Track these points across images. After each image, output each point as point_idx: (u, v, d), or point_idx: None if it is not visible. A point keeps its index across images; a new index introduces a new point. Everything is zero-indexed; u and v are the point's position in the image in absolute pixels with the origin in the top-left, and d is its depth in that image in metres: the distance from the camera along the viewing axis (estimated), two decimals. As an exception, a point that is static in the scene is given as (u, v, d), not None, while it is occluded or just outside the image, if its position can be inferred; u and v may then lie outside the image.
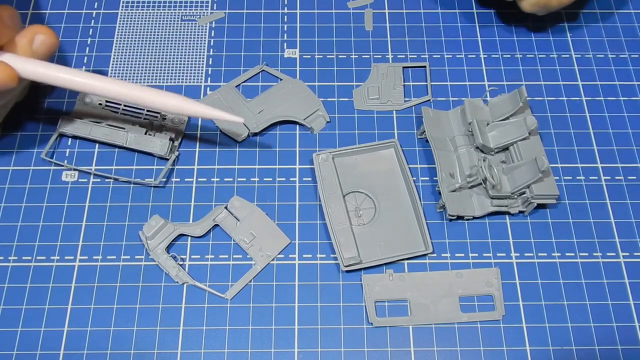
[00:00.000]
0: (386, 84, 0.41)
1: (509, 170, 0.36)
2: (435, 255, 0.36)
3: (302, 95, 0.40)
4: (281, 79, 0.41)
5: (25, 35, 0.34)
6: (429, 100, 0.41)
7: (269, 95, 0.40)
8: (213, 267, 0.35)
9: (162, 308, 0.34)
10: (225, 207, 0.36)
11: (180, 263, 0.35)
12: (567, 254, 0.36)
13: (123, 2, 0.44)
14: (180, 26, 0.44)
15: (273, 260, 0.35)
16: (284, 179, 0.38)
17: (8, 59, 0.33)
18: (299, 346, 0.33)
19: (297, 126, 0.40)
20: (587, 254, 0.36)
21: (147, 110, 0.39)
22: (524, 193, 0.35)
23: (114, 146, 0.38)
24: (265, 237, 0.36)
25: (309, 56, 0.42)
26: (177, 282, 0.35)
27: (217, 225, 0.36)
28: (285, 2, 0.45)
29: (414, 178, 0.38)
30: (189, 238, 0.36)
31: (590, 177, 0.38)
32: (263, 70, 0.42)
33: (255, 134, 0.39)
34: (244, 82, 0.41)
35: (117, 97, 0.34)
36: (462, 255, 0.36)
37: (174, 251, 0.35)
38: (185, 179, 0.38)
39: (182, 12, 0.44)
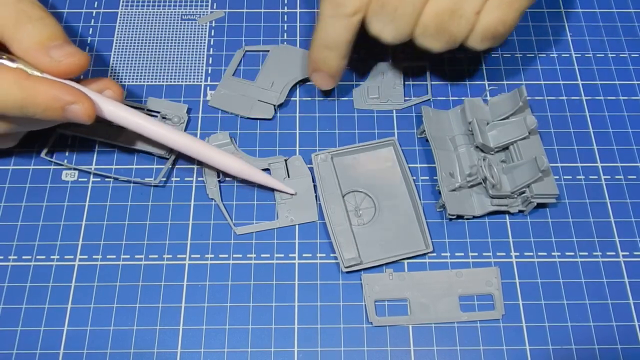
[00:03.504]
0: (386, 83, 0.41)
1: (508, 170, 0.36)
2: (435, 254, 0.36)
3: (296, 55, 0.42)
4: (268, 50, 0.42)
5: (97, 86, 0.35)
6: (429, 99, 0.41)
7: (268, 68, 0.41)
8: (213, 266, 0.35)
9: (162, 308, 0.34)
10: (285, 160, 0.38)
11: (220, 180, 0.37)
12: (567, 254, 0.36)
13: (123, 2, 0.44)
14: (180, 25, 0.44)
15: (292, 224, 0.35)
16: (283, 178, 0.38)
17: (92, 95, 0.33)
18: (298, 345, 0.33)
19: (297, 126, 0.40)
20: (587, 254, 0.36)
21: (147, 110, 0.39)
22: (523, 192, 0.35)
23: (114, 146, 0.38)
24: (299, 203, 0.37)
25: (309, 55, 0.42)
26: (208, 194, 0.37)
27: (267, 169, 0.37)
28: (285, 2, 0.45)
29: (414, 177, 0.38)
30: (190, 237, 0.36)
31: (590, 177, 0.38)
32: (246, 52, 0.42)
33: (281, 105, 0.40)
34: (235, 69, 0.41)
35: (185, 151, 0.35)
36: (462, 254, 0.36)
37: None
38: (185, 179, 0.38)
39: (182, 12, 0.44)
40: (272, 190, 0.37)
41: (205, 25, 0.44)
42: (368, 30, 0.34)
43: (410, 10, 0.33)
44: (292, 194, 0.37)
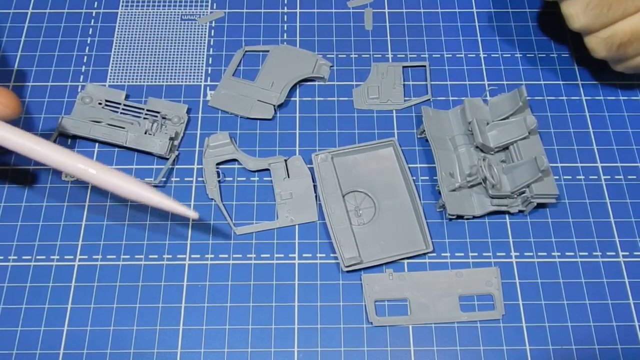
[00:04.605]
0: (386, 83, 0.41)
1: (508, 170, 0.36)
2: (435, 254, 0.36)
3: (296, 55, 0.42)
4: (267, 50, 0.42)
5: None
6: (429, 99, 0.41)
7: (268, 68, 0.41)
8: (213, 266, 0.35)
9: (162, 308, 0.34)
10: (285, 160, 0.38)
11: (220, 180, 0.37)
12: (567, 254, 0.36)
13: (123, 2, 0.44)
14: (180, 25, 0.44)
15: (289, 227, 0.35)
16: (283, 178, 0.38)
17: None
18: (298, 345, 0.33)
19: (297, 126, 0.40)
20: (587, 254, 0.36)
21: (147, 110, 0.39)
22: (523, 192, 0.35)
23: (114, 146, 0.38)
24: (299, 204, 0.37)
25: (309, 55, 0.42)
26: (208, 194, 0.37)
27: (267, 169, 0.37)
28: (285, 2, 0.45)
29: (414, 177, 0.38)
30: (190, 237, 0.36)
31: (590, 177, 0.38)
32: (246, 52, 0.42)
33: (281, 105, 0.40)
34: (235, 69, 0.41)
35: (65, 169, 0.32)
36: (462, 254, 0.36)
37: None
38: (185, 179, 0.38)
39: (182, 12, 0.44)
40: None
41: (205, 25, 0.44)
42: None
43: (619, 13, 0.34)
44: (193, 218, 0.31)
